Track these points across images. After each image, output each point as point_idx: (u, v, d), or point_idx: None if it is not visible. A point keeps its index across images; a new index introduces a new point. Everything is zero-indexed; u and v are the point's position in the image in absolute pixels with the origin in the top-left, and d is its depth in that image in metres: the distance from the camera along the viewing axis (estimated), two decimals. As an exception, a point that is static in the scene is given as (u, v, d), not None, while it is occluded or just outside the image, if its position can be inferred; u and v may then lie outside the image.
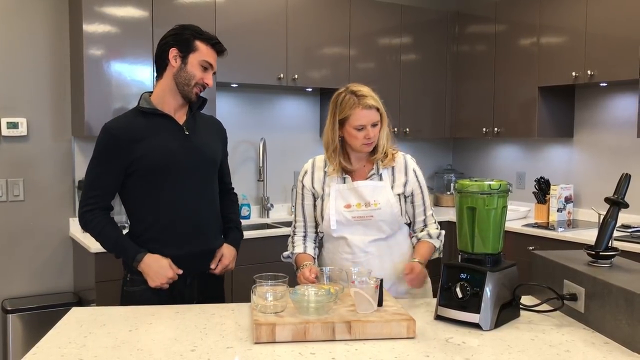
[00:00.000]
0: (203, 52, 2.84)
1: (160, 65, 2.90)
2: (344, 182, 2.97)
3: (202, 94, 2.99)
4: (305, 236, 3.11)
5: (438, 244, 3.02)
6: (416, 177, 3.02)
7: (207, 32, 2.90)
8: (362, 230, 2.95)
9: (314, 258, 3.06)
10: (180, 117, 2.94)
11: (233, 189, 3.30)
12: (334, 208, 2.95)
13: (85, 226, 2.90)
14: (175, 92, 2.88)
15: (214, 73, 2.93)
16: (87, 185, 2.89)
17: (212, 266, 3.00)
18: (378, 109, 2.89)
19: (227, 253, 3.06)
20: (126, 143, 2.79)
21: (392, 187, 2.96)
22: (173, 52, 2.83)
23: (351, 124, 2.86)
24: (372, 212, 2.92)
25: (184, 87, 2.85)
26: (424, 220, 3.04)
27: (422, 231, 3.03)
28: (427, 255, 2.95)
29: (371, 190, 2.94)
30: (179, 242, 2.90)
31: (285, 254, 3.15)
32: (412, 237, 3.05)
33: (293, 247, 3.10)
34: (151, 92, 2.95)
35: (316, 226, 3.10)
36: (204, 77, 2.87)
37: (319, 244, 3.15)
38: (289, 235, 3.18)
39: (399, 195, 2.97)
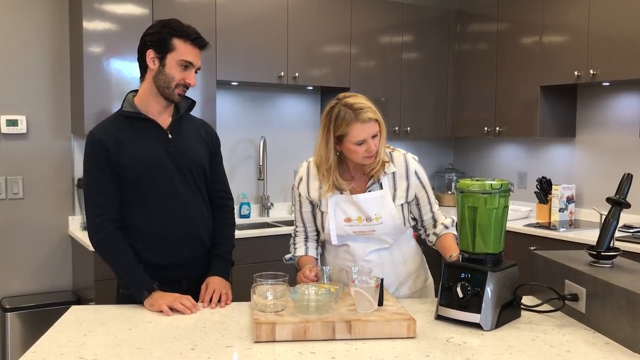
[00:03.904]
0: (181, 51, 2.72)
1: (141, 66, 2.81)
2: (342, 193, 2.86)
3: (200, 98, 2.92)
4: (306, 238, 3.04)
5: (455, 231, 2.87)
6: (418, 178, 2.90)
7: (187, 28, 2.76)
8: (364, 241, 2.89)
9: (317, 259, 3.01)
10: (165, 120, 2.85)
11: (230, 199, 3.12)
12: (333, 223, 2.85)
13: (98, 244, 2.78)
14: (157, 94, 2.78)
15: (198, 69, 2.82)
16: (91, 194, 2.79)
17: (205, 305, 2.71)
18: (377, 119, 2.73)
19: (212, 283, 2.82)
20: (113, 149, 2.73)
21: (394, 198, 2.86)
22: (150, 55, 2.73)
23: (350, 140, 2.71)
24: (374, 226, 2.84)
25: (165, 89, 2.75)
26: (433, 217, 2.97)
27: (435, 227, 2.96)
28: (456, 246, 2.77)
29: (371, 203, 2.83)
30: (172, 249, 2.84)
31: (287, 256, 3.09)
32: (428, 234, 2.97)
33: (295, 249, 3.05)
34: (136, 91, 2.87)
35: (317, 229, 3.03)
36: (185, 76, 2.75)
37: (322, 244, 3.08)
38: (290, 235, 3.12)
39: (401, 205, 2.88)
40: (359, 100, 2.73)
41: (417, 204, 2.94)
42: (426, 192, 2.93)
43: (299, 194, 2.97)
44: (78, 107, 4.70)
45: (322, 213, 2.91)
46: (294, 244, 3.06)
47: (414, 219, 3.01)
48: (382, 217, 2.83)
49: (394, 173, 2.88)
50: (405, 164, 2.89)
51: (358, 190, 2.88)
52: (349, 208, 2.85)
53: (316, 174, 2.90)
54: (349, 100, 2.72)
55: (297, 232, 3.07)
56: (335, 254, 2.96)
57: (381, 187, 2.86)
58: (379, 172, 2.84)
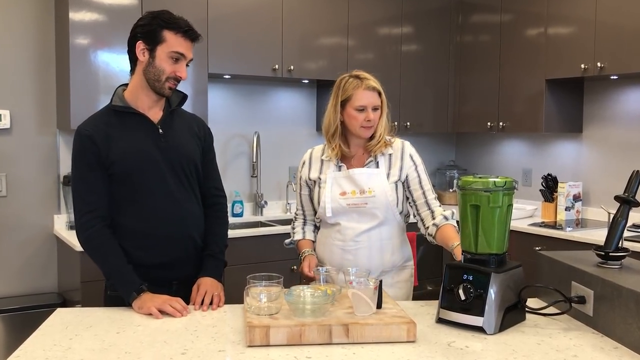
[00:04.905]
0: (171, 42, 2.74)
1: (131, 59, 2.83)
2: (340, 170, 3.12)
3: (190, 91, 2.92)
4: (305, 222, 3.33)
5: (456, 223, 2.95)
6: (412, 161, 3.13)
7: (179, 20, 2.78)
8: (357, 217, 3.09)
9: (313, 242, 3.28)
10: (156, 114, 2.86)
11: (223, 197, 3.15)
12: (329, 196, 3.10)
13: (86, 242, 2.80)
14: (147, 88, 2.79)
15: (190, 61, 2.83)
16: (79, 191, 2.81)
17: (196, 308, 2.72)
18: (380, 94, 3.07)
19: (204, 284, 2.83)
20: (101, 144, 2.74)
21: (388, 175, 3.09)
22: (140, 46, 2.75)
23: (352, 105, 3.03)
24: (367, 199, 3.06)
25: (155, 83, 2.77)
26: (427, 203, 3.10)
27: (433, 218, 3.07)
28: (458, 236, 2.85)
29: (366, 177, 3.07)
30: (162, 248, 2.84)
31: (287, 241, 3.44)
32: (427, 227, 3.08)
33: (293, 234, 3.34)
34: (127, 85, 2.89)
35: (314, 212, 3.26)
36: (176, 69, 2.77)
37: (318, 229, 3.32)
38: (285, 235, 3.35)
39: (395, 183, 3.09)
40: (367, 74, 3.12)
41: (409, 187, 3.12)
42: (418, 174, 3.13)
43: (300, 177, 3.27)
44: (64, 101, 4.68)
45: (319, 189, 3.15)
46: (293, 228, 3.36)
47: (411, 206, 3.16)
48: (375, 191, 3.06)
49: (390, 155, 3.14)
50: (402, 147, 3.16)
51: (356, 166, 3.13)
52: (345, 183, 3.10)
53: (318, 156, 3.22)
54: (357, 72, 3.12)
55: (297, 215, 3.37)
56: (328, 233, 3.17)
57: (377, 166, 3.11)
58: (378, 151, 3.11)
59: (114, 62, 4.62)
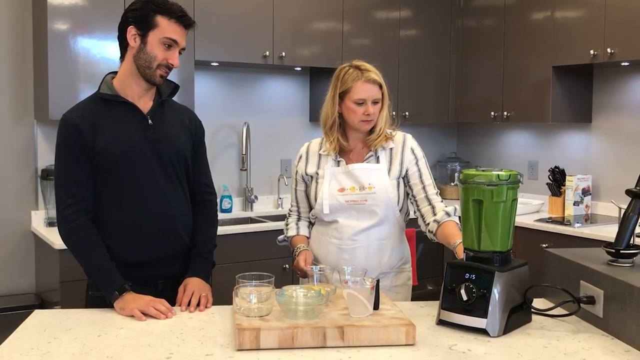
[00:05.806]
0: (164, 28, 2.76)
1: (122, 45, 2.85)
2: (338, 165, 3.13)
3: (176, 80, 2.92)
4: (299, 218, 3.34)
5: (458, 220, 2.99)
6: (413, 154, 3.14)
7: (172, 5, 2.80)
8: (355, 214, 3.09)
9: (308, 238, 3.30)
10: (146, 104, 2.88)
11: (213, 194, 3.17)
12: (327, 192, 3.10)
13: (68, 236, 2.79)
14: (138, 75, 2.81)
15: (183, 50, 2.86)
16: (62, 182, 2.80)
17: (183, 309, 2.72)
18: (381, 87, 3.07)
19: (191, 285, 2.83)
20: (88, 133, 2.75)
21: (390, 171, 3.10)
22: (131, 32, 2.77)
23: (351, 98, 3.03)
24: (367, 196, 3.07)
25: (146, 70, 2.78)
26: (428, 198, 3.10)
27: (434, 214, 3.05)
28: (460, 234, 2.82)
29: (367, 173, 3.08)
30: (147, 244, 2.85)
31: (280, 237, 3.39)
32: (428, 223, 3.07)
33: (287, 230, 3.35)
34: (116, 73, 2.90)
35: (309, 209, 3.27)
36: (168, 56, 2.79)
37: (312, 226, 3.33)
38: (278, 232, 3.33)
39: (397, 180, 3.10)
40: (368, 65, 3.10)
41: (408, 181, 3.12)
42: (419, 168, 3.14)
43: (297, 172, 3.28)
44: (42, 90, 4.67)
45: (317, 184, 3.16)
46: (287, 224, 3.37)
47: (411, 202, 3.17)
48: (375, 187, 3.07)
49: (391, 149, 3.15)
50: (403, 140, 3.18)
51: (355, 161, 3.14)
52: (344, 179, 3.11)
53: (316, 150, 3.23)
54: (358, 63, 3.11)
55: (291, 211, 3.39)
56: (324, 230, 3.18)
57: (378, 161, 3.12)
58: (379, 145, 3.11)
59: (95, 49, 4.60)
